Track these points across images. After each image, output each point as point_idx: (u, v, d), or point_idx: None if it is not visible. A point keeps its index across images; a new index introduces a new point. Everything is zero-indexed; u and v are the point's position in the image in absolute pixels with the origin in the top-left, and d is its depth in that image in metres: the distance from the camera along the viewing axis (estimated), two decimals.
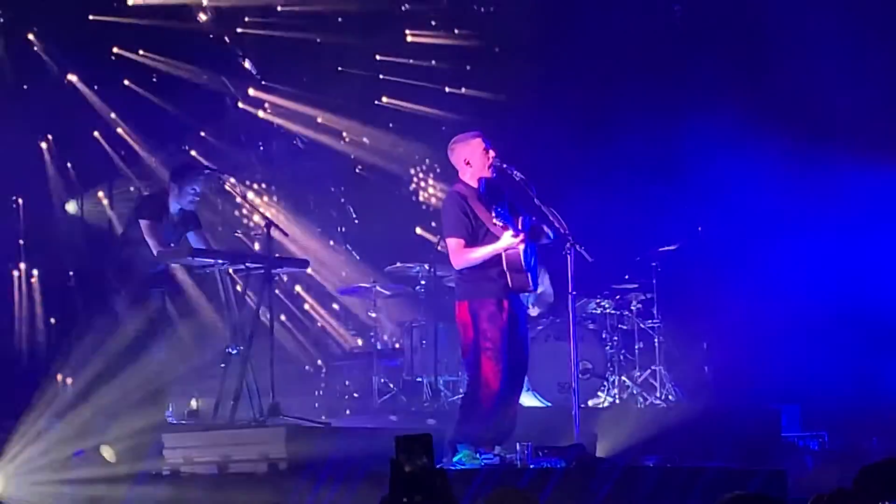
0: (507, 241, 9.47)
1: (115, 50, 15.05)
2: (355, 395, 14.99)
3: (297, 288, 16.37)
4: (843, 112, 13.63)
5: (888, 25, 13.59)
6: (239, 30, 15.77)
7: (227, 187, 12.25)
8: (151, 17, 14.82)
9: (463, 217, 9.62)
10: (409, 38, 16.56)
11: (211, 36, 15.62)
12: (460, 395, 12.75)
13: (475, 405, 9.60)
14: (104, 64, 14.91)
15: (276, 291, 13.22)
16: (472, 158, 9.78)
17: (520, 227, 9.60)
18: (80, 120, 14.74)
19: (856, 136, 13.57)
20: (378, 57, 16.50)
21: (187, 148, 15.66)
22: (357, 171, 17.04)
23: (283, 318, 15.58)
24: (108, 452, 9.85)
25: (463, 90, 16.68)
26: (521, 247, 9.52)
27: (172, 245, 11.05)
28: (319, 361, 15.76)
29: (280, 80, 16.30)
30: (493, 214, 9.49)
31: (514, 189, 9.93)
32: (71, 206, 15.13)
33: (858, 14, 13.61)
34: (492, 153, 9.76)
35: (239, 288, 11.71)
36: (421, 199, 17.35)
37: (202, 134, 15.91)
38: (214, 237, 13.85)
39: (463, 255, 9.60)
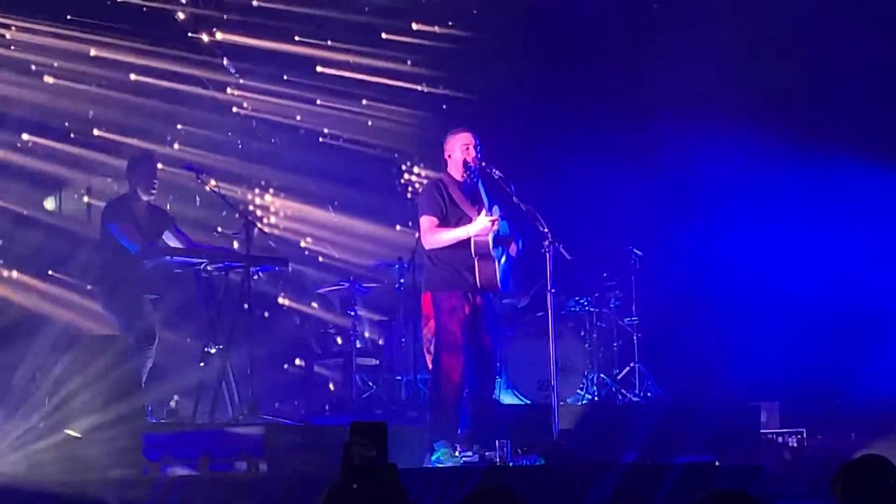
0: (481, 221, 9.55)
1: (92, 52, 15.02)
2: (334, 393, 14.97)
3: (277, 286, 16.33)
4: (822, 106, 13.71)
5: (878, 19, 13.62)
6: (218, 35, 15.76)
7: (208, 188, 12.20)
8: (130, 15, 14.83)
9: (438, 198, 9.78)
10: (384, 37, 16.56)
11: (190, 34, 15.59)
12: None
13: (439, 399, 9.66)
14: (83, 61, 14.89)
15: (255, 290, 13.20)
16: (452, 152, 9.93)
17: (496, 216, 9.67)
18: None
19: (835, 133, 13.61)
20: (352, 59, 16.50)
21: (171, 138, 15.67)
22: (336, 169, 17.00)
23: (262, 316, 15.55)
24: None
25: (440, 89, 16.67)
26: (491, 235, 9.58)
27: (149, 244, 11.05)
28: (298, 360, 15.72)
29: (258, 78, 16.25)
30: (463, 196, 9.65)
31: (494, 187, 9.98)
32: (49, 203, 15.09)
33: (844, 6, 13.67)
34: (472, 151, 9.81)
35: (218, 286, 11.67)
36: (401, 193, 17.34)
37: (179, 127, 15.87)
38: (193, 237, 13.85)
39: (434, 234, 9.72)
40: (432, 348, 9.73)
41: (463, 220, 9.72)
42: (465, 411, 9.69)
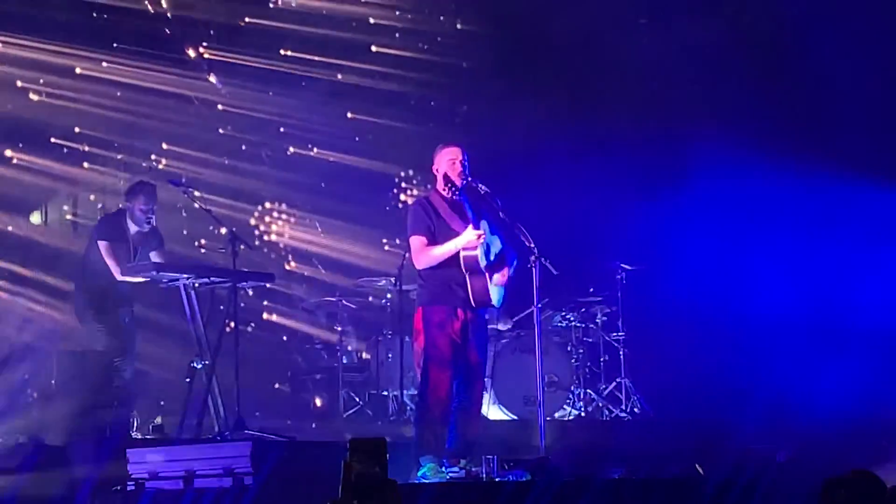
0: (468, 235, 9.55)
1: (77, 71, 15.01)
2: (320, 408, 14.94)
3: (263, 301, 16.31)
4: (807, 120, 13.76)
5: (867, 29, 13.67)
6: (203, 50, 15.75)
7: (196, 204, 12.17)
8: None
9: (425, 217, 9.75)
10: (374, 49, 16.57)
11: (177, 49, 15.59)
12: None
13: (425, 413, 9.65)
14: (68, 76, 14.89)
15: (242, 305, 13.19)
16: (440, 167, 9.92)
17: (485, 231, 9.66)
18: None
19: (829, 147, 13.63)
20: (340, 76, 16.51)
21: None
22: (322, 185, 16.98)
23: (248, 330, 15.53)
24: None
25: (431, 104, 16.68)
26: (480, 251, 9.58)
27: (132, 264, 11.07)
28: (284, 375, 15.69)
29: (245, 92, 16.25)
30: (451, 211, 9.67)
31: (480, 202, 9.97)
32: (35, 217, 15.07)
33: (829, 18, 13.70)
34: (458, 167, 9.81)
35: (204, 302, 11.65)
36: (391, 210, 17.33)
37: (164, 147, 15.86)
38: (181, 250, 13.86)
39: (425, 253, 9.70)
40: (420, 363, 9.73)
41: (451, 235, 9.71)
42: (451, 426, 9.68)
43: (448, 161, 9.87)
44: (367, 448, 4.70)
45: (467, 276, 9.64)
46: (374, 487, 4.60)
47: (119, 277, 11.03)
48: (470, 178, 9.88)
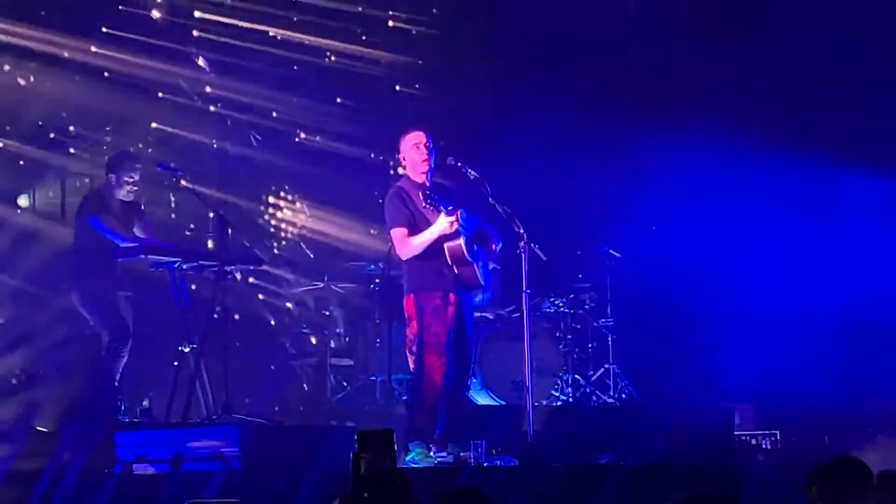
0: (442, 222, 9.54)
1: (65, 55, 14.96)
2: (308, 393, 14.94)
3: (251, 285, 16.28)
4: (803, 110, 13.76)
5: (862, 24, 13.67)
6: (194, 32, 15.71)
7: (182, 183, 12.14)
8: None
9: (403, 208, 9.79)
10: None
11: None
12: None
13: (420, 400, 9.66)
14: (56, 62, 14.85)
15: (230, 289, 13.16)
16: (406, 154, 9.97)
17: (459, 218, 9.65)
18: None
19: (815, 136, 13.64)
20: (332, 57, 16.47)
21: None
22: (311, 169, 16.94)
23: (236, 315, 15.50)
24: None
25: (416, 87, 16.65)
26: (462, 241, 9.59)
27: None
28: (272, 359, 15.68)
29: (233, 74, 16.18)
30: (423, 201, 9.68)
31: (469, 188, 9.97)
32: (23, 200, 15.03)
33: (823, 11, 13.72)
34: (424, 152, 9.82)
35: (192, 285, 11.65)
36: (379, 194, 17.27)
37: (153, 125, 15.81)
38: (167, 236, 13.81)
39: (407, 244, 9.74)
40: (415, 349, 9.72)
41: (429, 221, 9.73)
42: (441, 411, 9.70)
43: (412, 146, 9.88)
44: (376, 440, 4.67)
45: (455, 267, 9.67)
46: (385, 479, 4.58)
47: (122, 245, 10.90)
48: (459, 163, 9.90)
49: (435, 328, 9.64)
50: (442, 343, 9.64)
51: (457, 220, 9.60)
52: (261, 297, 16.35)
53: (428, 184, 9.89)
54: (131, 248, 10.92)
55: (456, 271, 9.69)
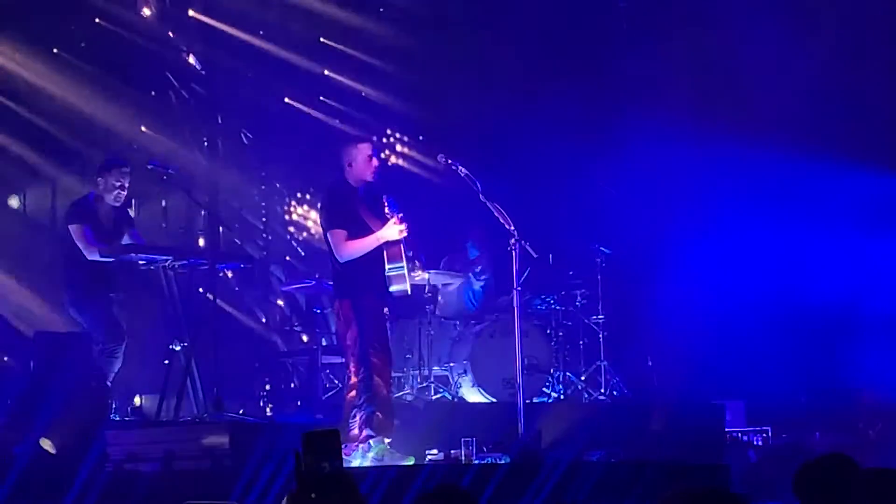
0: (392, 228, 9.58)
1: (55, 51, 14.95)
2: (299, 390, 14.94)
3: (242, 283, 16.28)
4: (785, 107, 13.77)
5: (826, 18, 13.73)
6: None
7: (170, 175, 12.10)
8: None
9: (344, 210, 9.79)
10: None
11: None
12: (402, 392, 12.88)
13: (376, 394, 9.65)
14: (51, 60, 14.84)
15: (221, 287, 13.17)
16: (354, 162, 9.91)
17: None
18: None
19: (797, 132, 13.67)
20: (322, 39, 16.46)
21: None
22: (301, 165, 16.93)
23: (228, 313, 15.49)
24: (47, 444, 9.79)
25: (406, 85, 16.63)
26: (402, 247, 9.69)
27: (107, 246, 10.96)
28: (262, 357, 15.68)
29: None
30: (386, 203, 9.79)
31: (459, 185, 9.98)
32: (13, 202, 15.01)
33: (796, 10, 13.77)
34: (375, 162, 9.86)
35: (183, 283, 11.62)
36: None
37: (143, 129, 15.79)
38: (159, 234, 13.82)
39: (347, 247, 9.75)
40: (357, 351, 9.71)
41: (370, 227, 9.74)
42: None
43: (364, 157, 9.87)
44: (318, 441, 4.64)
45: (387, 267, 9.71)
46: (328, 480, 4.56)
47: (90, 257, 10.87)
48: (449, 161, 9.92)
49: (377, 330, 9.72)
50: (384, 343, 9.80)
51: (404, 231, 9.66)
52: (252, 295, 16.35)
53: (373, 191, 9.93)
54: (120, 248, 10.88)
55: (387, 271, 9.76)
